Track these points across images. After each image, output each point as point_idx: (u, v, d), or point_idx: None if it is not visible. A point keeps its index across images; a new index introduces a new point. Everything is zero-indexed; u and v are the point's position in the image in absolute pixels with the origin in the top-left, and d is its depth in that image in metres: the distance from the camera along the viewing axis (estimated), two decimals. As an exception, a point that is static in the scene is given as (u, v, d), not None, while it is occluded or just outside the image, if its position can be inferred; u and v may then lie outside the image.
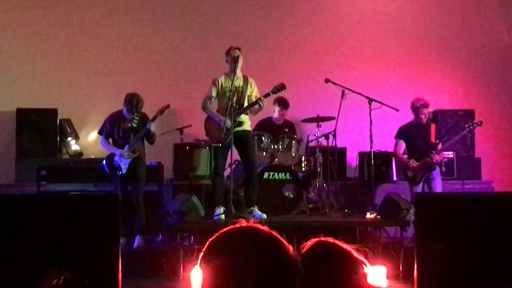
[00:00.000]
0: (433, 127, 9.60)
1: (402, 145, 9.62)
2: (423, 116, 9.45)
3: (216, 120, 8.67)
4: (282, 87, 8.83)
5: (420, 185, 9.42)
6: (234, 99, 8.70)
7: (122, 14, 11.39)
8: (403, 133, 9.62)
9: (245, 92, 8.78)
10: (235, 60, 8.63)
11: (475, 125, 9.42)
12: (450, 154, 10.30)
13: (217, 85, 8.73)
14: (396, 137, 9.67)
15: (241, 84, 8.77)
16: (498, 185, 10.78)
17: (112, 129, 9.06)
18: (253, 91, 8.88)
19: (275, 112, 10.18)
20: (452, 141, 9.62)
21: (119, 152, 8.88)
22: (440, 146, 9.39)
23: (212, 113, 8.76)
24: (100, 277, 5.06)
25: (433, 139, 9.49)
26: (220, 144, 8.64)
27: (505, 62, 11.85)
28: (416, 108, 9.45)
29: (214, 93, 8.75)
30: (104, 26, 11.30)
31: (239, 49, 8.73)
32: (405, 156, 9.59)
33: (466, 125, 9.56)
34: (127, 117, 8.99)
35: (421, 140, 9.49)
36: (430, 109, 9.66)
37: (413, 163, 9.35)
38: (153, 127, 8.91)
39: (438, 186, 9.46)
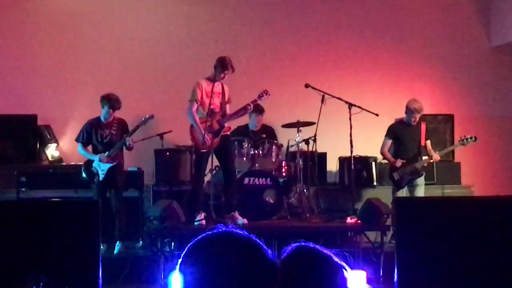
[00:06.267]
0: (423, 126, 9.59)
1: (389, 144, 9.64)
2: (413, 120, 9.44)
3: (199, 129, 8.59)
4: (266, 93, 8.91)
5: (403, 190, 9.44)
6: (218, 103, 8.71)
7: (103, 20, 11.35)
8: (393, 131, 9.63)
9: (224, 97, 8.81)
10: (224, 75, 8.63)
11: (469, 140, 9.47)
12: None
13: (201, 88, 8.67)
14: (385, 136, 9.67)
15: (220, 89, 8.78)
16: (478, 190, 10.86)
17: (90, 136, 9.02)
18: (228, 97, 8.92)
19: (252, 119, 10.17)
20: (445, 152, 9.75)
21: (98, 158, 8.85)
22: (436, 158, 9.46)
23: (196, 122, 8.63)
24: (80, 283, 5.04)
25: (423, 139, 9.50)
26: (205, 150, 8.62)
27: (484, 68, 11.94)
28: (410, 110, 9.42)
29: (199, 96, 8.67)
30: (84, 32, 11.23)
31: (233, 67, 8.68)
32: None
33: (460, 139, 9.62)
34: (105, 122, 8.98)
35: (412, 142, 9.50)
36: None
37: (399, 162, 9.38)
38: (130, 142, 8.88)
39: (421, 193, 9.49)
